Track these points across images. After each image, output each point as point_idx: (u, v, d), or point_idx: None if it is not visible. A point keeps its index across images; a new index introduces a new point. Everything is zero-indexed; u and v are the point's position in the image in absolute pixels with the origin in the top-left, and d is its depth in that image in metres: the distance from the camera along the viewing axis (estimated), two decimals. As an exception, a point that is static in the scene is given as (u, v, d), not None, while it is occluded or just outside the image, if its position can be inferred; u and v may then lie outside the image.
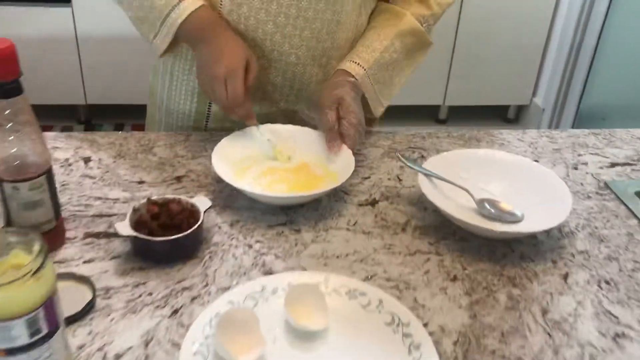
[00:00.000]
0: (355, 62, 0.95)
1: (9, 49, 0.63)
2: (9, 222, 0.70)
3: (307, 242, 0.78)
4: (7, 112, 0.65)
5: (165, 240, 0.71)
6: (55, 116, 2.78)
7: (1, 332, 0.51)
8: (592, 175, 0.96)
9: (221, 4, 0.93)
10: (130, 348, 0.62)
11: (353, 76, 0.94)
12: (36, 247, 0.52)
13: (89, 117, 2.88)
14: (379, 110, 0.99)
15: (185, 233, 0.71)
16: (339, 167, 0.88)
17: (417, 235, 0.80)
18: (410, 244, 0.79)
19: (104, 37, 2.53)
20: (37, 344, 0.53)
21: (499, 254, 0.78)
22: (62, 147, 0.95)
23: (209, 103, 1.02)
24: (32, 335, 0.52)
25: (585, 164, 0.99)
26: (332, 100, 0.91)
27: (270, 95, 1.00)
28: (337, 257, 0.76)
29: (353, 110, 0.90)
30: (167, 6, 0.90)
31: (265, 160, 0.91)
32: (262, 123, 0.93)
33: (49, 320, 0.53)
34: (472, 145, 1.03)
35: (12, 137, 0.66)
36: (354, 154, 0.88)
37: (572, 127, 2.78)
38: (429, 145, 1.02)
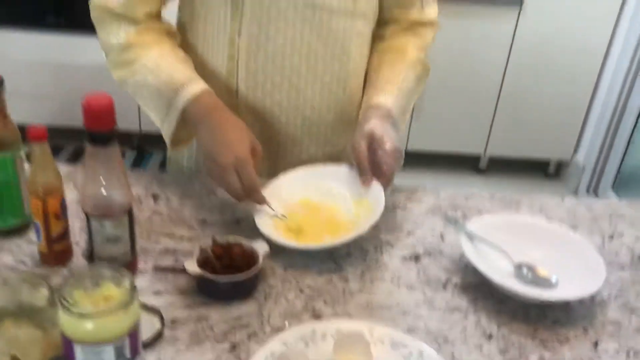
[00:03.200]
0: (383, 96, 1.03)
1: (109, 105, 0.72)
2: (91, 254, 0.79)
3: (354, 292, 0.85)
4: (101, 157, 0.74)
5: (228, 281, 0.78)
6: (110, 141, 2.92)
7: (93, 356, 0.58)
8: (627, 246, 1.01)
9: (237, 74, 1.02)
10: (193, 377, 0.69)
11: (385, 108, 1.01)
12: (127, 282, 0.60)
13: (141, 144, 3.02)
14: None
15: (246, 275, 0.79)
16: (368, 208, 0.93)
17: (457, 292, 0.86)
18: (450, 300, 0.85)
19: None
20: (122, 367, 0.60)
21: (533, 316, 0.83)
22: (133, 184, 1.04)
23: None
24: (118, 359, 0.59)
25: (622, 234, 1.03)
26: (364, 135, 0.97)
27: (291, 149, 1.08)
28: (382, 308, 0.82)
29: (387, 139, 0.96)
30: (171, 91, 0.95)
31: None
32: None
33: (132, 348, 0.60)
34: (512, 207, 1.08)
35: (103, 179, 0.75)
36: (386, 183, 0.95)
37: (612, 187, 2.79)
38: (472, 205, 1.08)
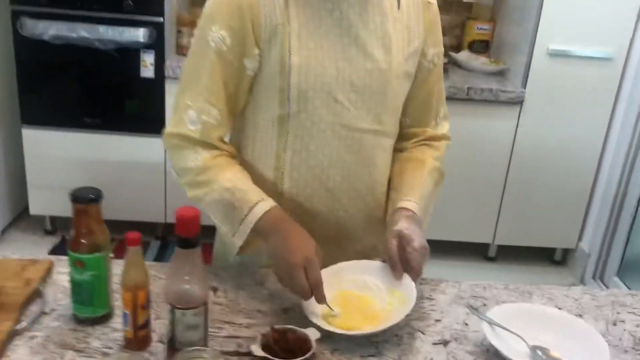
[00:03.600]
0: (408, 200, 1.20)
1: (196, 216, 0.88)
2: (172, 339, 0.93)
3: (393, 372, 0.98)
4: (187, 258, 0.90)
5: (289, 361, 0.92)
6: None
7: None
8: (628, 332, 1.14)
9: (282, 182, 1.19)
10: None
11: (410, 210, 1.17)
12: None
13: (166, 234, 3.18)
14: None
15: (304, 358, 0.93)
16: (401, 299, 1.08)
17: (482, 373, 1.00)
18: (476, 380, 0.98)
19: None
20: None
21: (549, 394, 0.96)
22: (193, 277, 1.19)
23: None
24: None
25: (623, 321, 1.17)
26: (394, 234, 1.13)
27: (327, 247, 1.18)
28: (418, 386, 0.95)
29: (414, 237, 1.11)
30: (244, 208, 1.10)
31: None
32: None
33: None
34: (525, 296, 1.23)
35: (187, 277, 0.90)
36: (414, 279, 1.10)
37: (618, 274, 2.92)
38: (489, 295, 1.22)
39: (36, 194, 3.00)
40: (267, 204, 1.11)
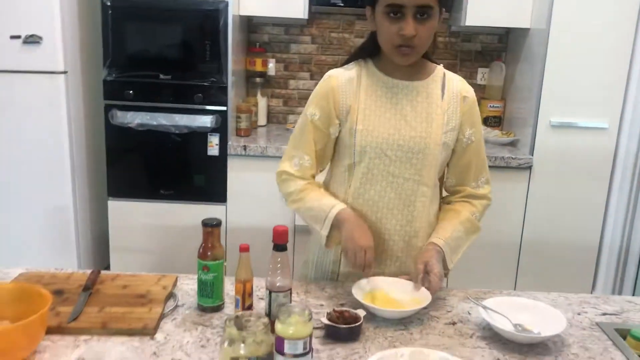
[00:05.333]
0: (438, 238, 1.66)
1: (285, 230, 1.38)
2: (269, 314, 1.40)
3: (416, 339, 1.43)
4: (279, 258, 1.39)
5: (347, 327, 1.39)
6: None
7: (293, 345, 1.19)
8: (589, 318, 1.57)
9: (349, 186, 1.69)
10: (333, 373, 1.27)
11: (438, 246, 1.64)
12: (306, 313, 1.22)
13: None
14: (449, 267, 1.67)
15: (357, 324, 1.40)
16: (420, 301, 1.54)
17: (479, 340, 1.44)
18: (475, 343, 1.42)
19: (249, 226, 3.38)
20: (304, 354, 1.20)
21: (524, 351, 1.39)
22: (273, 287, 1.68)
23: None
24: (303, 349, 1.20)
25: (586, 312, 1.60)
26: (422, 261, 1.60)
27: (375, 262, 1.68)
28: (434, 346, 1.40)
29: (436, 267, 1.58)
30: (326, 209, 1.64)
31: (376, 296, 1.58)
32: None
33: (309, 344, 1.21)
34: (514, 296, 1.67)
35: (279, 271, 1.39)
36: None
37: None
38: (489, 296, 1.67)
39: (117, 256, 3.52)
40: (341, 205, 1.65)
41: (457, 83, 1.71)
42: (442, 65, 1.73)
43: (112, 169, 3.43)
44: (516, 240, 3.46)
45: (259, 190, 3.33)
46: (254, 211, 3.38)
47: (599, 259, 3.50)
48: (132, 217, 3.46)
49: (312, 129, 1.69)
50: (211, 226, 1.48)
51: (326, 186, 1.79)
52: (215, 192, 3.39)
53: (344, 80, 1.67)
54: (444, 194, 1.84)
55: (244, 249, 1.43)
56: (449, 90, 1.69)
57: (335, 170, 1.76)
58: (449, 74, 1.72)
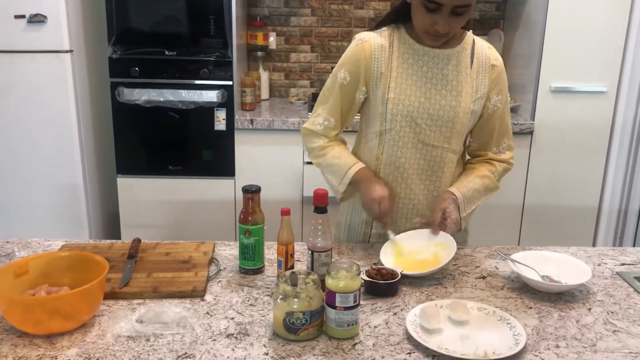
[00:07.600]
0: (456, 188, 1.73)
1: (325, 193, 1.44)
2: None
3: (450, 292, 1.51)
4: (319, 220, 1.46)
5: (386, 282, 1.46)
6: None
7: (344, 299, 1.26)
8: (609, 269, 1.66)
9: (380, 172, 1.75)
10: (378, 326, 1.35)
11: (455, 195, 1.71)
12: (355, 268, 1.30)
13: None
14: (462, 215, 1.73)
15: (395, 280, 1.47)
16: (443, 247, 1.62)
17: (509, 291, 1.53)
18: (505, 295, 1.51)
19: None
20: (354, 307, 1.28)
21: (553, 299, 1.48)
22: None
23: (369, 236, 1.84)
24: (354, 302, 1.27)
25: (606, 263, 1.69)
26: (441, 208, 1.68)
27: (400, 216, 1.77)
28: (468, 298, 1.48)
29: (454, 214, 1.66)
30: (345, 167, 1.72)
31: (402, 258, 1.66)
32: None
33: (358, 297, 1.28)
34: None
35: (320, 232, 1.46)
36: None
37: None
38: (512, 252, 1.75)
39: (127, 232, 3.57)
40: (360, 164, 1.73)
41: (485, 51, 1.76)
42: (471, 31, 1.78)
43: (120, 146, 3.45)
44: (519, 203, 3.55)
45: (267, 164, 3.38)
46: (262, 184, 3.34)
47: (599, 219, 3.61)
48: (141, 193, 3.50)
49: (340, 92, 1.74)
50: (251, 192, 1.54)
51: (355, 152, 1.85)
52: (224, 166, 3.43)
53: (376, 46, 1.71)
54: (467, 158, 1.91)
55: (285, 212, 1.50)
56: (477, 59, 1.74)
57: (365, 137, 1.81)
58: (478, 41, 1.77)
